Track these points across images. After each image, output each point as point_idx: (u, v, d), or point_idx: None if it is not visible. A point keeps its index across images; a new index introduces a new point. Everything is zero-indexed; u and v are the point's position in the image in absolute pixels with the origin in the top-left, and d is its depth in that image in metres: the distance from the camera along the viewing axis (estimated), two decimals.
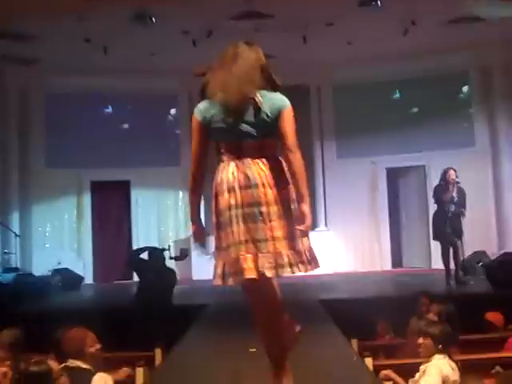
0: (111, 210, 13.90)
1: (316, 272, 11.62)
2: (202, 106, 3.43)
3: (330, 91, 14.00)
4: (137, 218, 13.76)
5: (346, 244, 13.67)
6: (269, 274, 3.25)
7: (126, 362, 5.32)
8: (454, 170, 9.36)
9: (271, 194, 3.32)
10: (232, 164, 3.36)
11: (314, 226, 13.46)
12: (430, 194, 12.99)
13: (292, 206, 3.37)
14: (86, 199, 13.61)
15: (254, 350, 4.41)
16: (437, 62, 12.78)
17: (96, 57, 11.49)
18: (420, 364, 4.40)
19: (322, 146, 13.96)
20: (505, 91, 12.84)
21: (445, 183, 9.32)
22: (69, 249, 13.39)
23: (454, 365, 4.34)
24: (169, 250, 11.54)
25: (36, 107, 13.38)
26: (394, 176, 13.98)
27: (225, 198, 3.34)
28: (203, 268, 13.05)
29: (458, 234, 9.38)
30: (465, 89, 13.42)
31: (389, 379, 4.17)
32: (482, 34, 11.68)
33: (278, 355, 3.45)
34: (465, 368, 4.49)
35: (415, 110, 13.71)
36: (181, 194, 13.86)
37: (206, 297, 10.05)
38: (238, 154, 3.36)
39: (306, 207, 3.30)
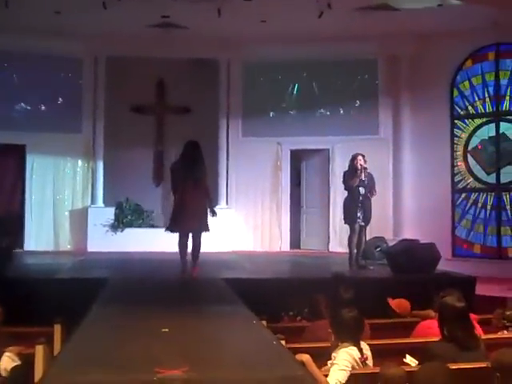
0: (4, 175, 13.13)
1: (215, 249, 11.76)
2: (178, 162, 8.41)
3: (239, 68, 13.78)
4: (31, 185, 13.08)
5: (246, 223, 13.63)
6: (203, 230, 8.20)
7: (22, 338, 5.02)
8: (363, 156, 9.43)
9: (197, 201, 8.04)
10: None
11: (215, 203, 13.36)
12: (332, 177, 13.28)
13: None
14: None
15: (167, 330, 4.22)
16: (348, 48, 12.83)
17: None
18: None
19: (227, 123, 13.74)
20: (410, 82, 13.10)
21: (353, 168, 9.38)
22: None
23: (367, 347, 4.32)
24: None
25: None
26: (298, 158, 14.03)
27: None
28: (99, 240, 12.77)
29: (367, 219, 9.49)
30: (372, 77, 13.57)
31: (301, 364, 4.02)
32: (394, 23, 11.83)
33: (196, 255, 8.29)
34: (374, 354, 4.50)
35: (323, 93, 13.74)
36: (80, 162, 13.29)
37: (104, 270, 9.73)
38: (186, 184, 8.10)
39: (213, 210, 8.32)
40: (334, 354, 4.16)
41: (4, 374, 3.87)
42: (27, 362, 4.16)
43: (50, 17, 11.44)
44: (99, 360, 3.39)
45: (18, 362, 3.99)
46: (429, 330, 5.06)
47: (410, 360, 4.47)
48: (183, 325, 4.35)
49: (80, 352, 3.62)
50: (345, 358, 4.07)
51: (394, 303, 6.33)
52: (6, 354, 4.02)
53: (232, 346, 3.87)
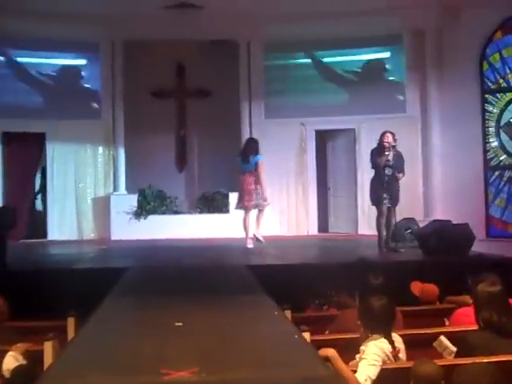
0: (25, 164, 12.93)
1: (240, 235, 11.40)
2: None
3: (260, 48, 13.35)
4: (52, 173, 12.88)
5: (272, 207, 13.19)
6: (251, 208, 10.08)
7: (34, 333, 4.78)
8: (392, 134, 9.03)
9: (252, 187, 9.85)
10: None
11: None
12: (359, 158, 12.88)
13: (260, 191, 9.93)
14: None
15: (181, 324, 3.93)
16: (371, 23, 12.35)
17: None
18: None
19: (249, 105, 13.36)
20: (437, 57, 12.60)
21: (381, 147, 8.99)
22: None
23: (399, 340, 3.98)
24: None
25: None
26: (323, 138, 13.64)
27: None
28: (122, 227, 12.55)
29: (395, 200, 9.11)
30: (398, 53, 13.10)
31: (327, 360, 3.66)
32: None
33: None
34: (407, 344, 4.16)
35: (347, 71, 13.32)
36: (100, 149, 13.05)
37: (126, 259, 9.50)
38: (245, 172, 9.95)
39: (265, 194, 9.95)
40: (362, 347, 3.81)
41: (7, 375, 3.60)
42: (33, 361, 3.89)
43: (66, 0, 11.20)
44: (103, 360, 3.10)
45: (23, 362, 3.72)
46: (466, 317, 4.69)
47: (442, 342, 4.10)
48: (199, 318, 4.06)
49: (83, 351, 3.33)
50: (374, 352, 3.72)
51: (417, 288, 5.90)
52: (10, 353, 3.74)
53: (249, 341, 3.54)
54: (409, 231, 10.39)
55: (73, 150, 12.91)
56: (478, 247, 9.08)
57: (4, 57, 12.74)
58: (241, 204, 10.09)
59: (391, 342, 3.86)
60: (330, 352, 3.61)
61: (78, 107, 12.85)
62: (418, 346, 4.27)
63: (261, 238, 10.00)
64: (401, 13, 12.20)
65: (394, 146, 8.95)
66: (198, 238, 11.97)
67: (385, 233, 9.15)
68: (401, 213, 10.68)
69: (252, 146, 10.07)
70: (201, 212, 13.12)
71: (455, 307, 5.22)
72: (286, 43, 13.19)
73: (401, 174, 9.10)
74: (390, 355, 3.79)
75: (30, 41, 12.43)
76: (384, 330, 3.92)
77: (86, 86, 13.16)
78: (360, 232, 12.70)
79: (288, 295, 5.65)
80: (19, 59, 12.85)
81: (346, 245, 11.18)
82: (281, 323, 4.05)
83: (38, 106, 12.79)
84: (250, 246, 10.00)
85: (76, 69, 13.11)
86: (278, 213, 13.29)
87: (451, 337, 4.26)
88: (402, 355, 3.94)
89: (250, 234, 10.15)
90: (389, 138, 8.96)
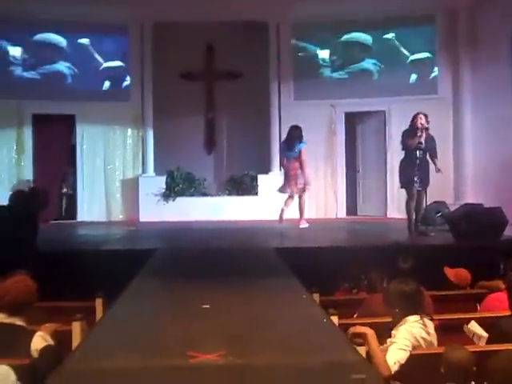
0: (54, 145, 12.99)
1: (269, 217, 11.39)
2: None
3: (289, 29, 13.24)
4: (81, 155, 12.95)
5: None
6: (296, 193, 10.57)
7: (62, 313, 4.79)
8: (425, 116, 8.86)
9: (296, 172, 10.34)
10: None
11: (268, 169, 13.04)
12: (389, 140, 12.72)
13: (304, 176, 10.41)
14: (27, 133, 12.67)
15: (208, 306, 3.90)
16: (403, 3, 12.16)
17: None
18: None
19: (279, 87, 13.26)
20: (470, 37, 12.35)
21: (413, 128, 8.83)
22: (7, 184, 12.50)
23: (431, 325, 3.90)
24: None
25: None
26: (353, 121, 13.48)
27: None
28: (151, 209, 12.59)
29: (425, 183, 8.97)
30: (430, 33, 12.86)
31: (359, 341, 3.58)
32: None
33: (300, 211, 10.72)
34: (437, 329, 4.09)
35: (378, 52, 13.12)
36: (129, 131, 13.08)
37: (155, 240, 9.53)
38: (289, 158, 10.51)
39: (308, 178, 10.53)
40: (393, 332, 3.75)
41: (36, 354, 3.61)
42: (61, 341, 3.90)
43: None
44: (130, 342, 3.09)
45: (51, 342, 3.72)
46: (498, 303, 4.59)
47: (471, 328, 4.02)
48: (226, 300, 4.03)
49: (111, 332, 3.33)
50: (404, 337, 3.65)
51: (451, 273, 5.81)
52: (38, 333, 3.75)
53: (277, 324, 3.50)
54: (439, 215, 10.26)
55: (102, 132, 12.97)
56: (510, 231, 8.92)
57: (33, 39, 12.76)
58: (286, 189, 10.60)
59: (424, 323, 3.79)
60: (368, 330, 3.57)
61: (107, 89, 12.88)
62: (450, 331, 4.20)
63: (304, 226, 10.49)
64: None
65: (426, 129, 8.79)
66: (226, 220, 11.97)
67: (414, 216, 9.02)
68: (431, 196, 10.52)
69: (296, 134, 10.41)
70: (229, 194, 13.10)
71: (487, 292, 5.12)
72: (316, 24, 13.03)
73: (434, 158, 8.93)
74: (421, 340, 3.72)
75: (59, 23, 12.47)
76: (414, 312, 3.85)
77: (115, 67, 13.13)
78: (389, 215, 12.58)
79: (317, 278, 5.58)
80: (48, 41, 12.86)
81: (375, 228, 11.08)
82: (309, 306, 4.01)
83: (68, 88, 12.81)
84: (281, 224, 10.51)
85: (105, 51, 13.08)
86: (307, 196, 13.17)
87: (483, 322, 4.18)
88: (433, 340, 3.87)
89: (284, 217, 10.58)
90: (422, 120, 8.80)
